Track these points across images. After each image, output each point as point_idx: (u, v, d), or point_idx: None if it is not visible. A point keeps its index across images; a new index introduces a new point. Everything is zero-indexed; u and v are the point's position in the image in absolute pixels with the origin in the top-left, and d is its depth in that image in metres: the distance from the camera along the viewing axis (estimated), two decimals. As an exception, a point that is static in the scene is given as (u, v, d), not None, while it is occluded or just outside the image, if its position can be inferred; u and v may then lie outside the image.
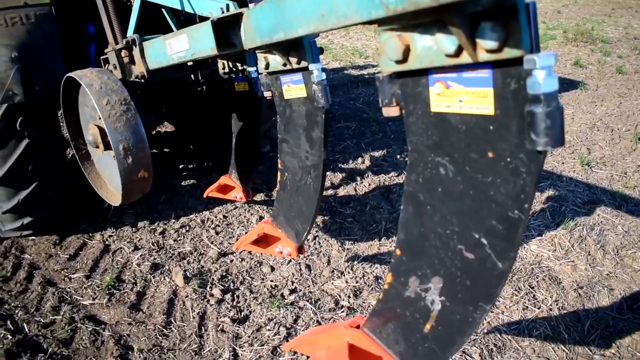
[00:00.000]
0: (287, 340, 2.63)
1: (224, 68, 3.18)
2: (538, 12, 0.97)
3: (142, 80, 2.87)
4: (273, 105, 2.44)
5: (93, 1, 2.98)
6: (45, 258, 3.43)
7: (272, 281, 3.15)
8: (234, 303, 2.95)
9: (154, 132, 5.62)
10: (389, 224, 3.78)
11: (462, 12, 0.99)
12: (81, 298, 3.02)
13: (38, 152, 3.19)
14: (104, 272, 3.27)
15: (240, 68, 3.06)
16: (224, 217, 3.95)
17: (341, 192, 4.31)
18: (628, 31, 11.50)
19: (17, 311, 2.89)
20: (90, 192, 3.18)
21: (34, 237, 3.63)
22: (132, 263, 3.35)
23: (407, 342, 1.50)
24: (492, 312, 2.84)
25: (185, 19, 3.09)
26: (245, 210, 4.03)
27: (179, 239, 3.66)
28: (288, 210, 2.55)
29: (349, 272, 3.22)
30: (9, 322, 2.77)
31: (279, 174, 2.55)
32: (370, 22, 1.16)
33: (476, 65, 1.08)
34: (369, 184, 4.41)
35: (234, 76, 3.19)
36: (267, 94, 2.42)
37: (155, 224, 3.85)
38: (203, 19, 2.16)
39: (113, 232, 3.73)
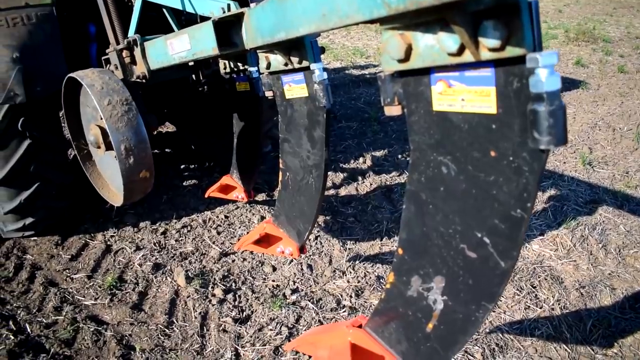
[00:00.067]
0: (289, 340, 2.63)
1: (225, 68, 3.19)
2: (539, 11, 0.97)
3: (144, 81, 2.87)
4: (274, 105, 2.44)
5: (94, 1, 2.98)
6: (47, 258, 3.44)
7: (273, 281, 3.15)
8: (236, 303, 2.95)
9: (155, 132, 5.62)
10: (390, 224, 3.77)
11: (465, 10, 0.99)
12: (83, 298, 3.02)
13: (40, 152, 3.19)
14: (105, 273, 3.27)
15: (241, 68, 3.06)
16: (226, 217, 3.95)
17: (343, 191, 4.31)
18: (630, 30, 11.48)
19: (19, 311, 2.89)
20: (92, 192, 3.18)
21: (35, 238, 3.64)
22: (133, 263, 3.35)
23: (410, 342, 1.50)
24: (494, 311, 2.84)
25: (186, 19, 3.09)
26: (246, 210, 4.03)
27: (180, 239, 3.66)
28: (290, 210, 2.55)
29: (350, 272, 3.22)
30: (11, 323, 2.77)
31: (280, 173, 2.55)
32: (372, 21, 1.16)
33: (478, 64, 1.08)
34: (371, 184, 4.41)
35: (235, 76, 3.19)
36: (269, 94, 2.42)
37: (157, 224, 3.85)
38: (204, 18, 2.15)
39: (115, 233, 3.73)
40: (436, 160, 1.29)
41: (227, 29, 2.01)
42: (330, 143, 2.20)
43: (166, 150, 5.42)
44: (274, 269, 3.27)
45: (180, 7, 2.60)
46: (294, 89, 2.19)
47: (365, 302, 2.95)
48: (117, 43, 2.92)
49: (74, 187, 3.65)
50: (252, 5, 1.88)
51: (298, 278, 3.17)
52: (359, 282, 3.12)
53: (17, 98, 2.90)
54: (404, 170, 4.64)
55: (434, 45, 1.13)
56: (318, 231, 3.68)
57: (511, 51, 0.98)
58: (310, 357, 2.50)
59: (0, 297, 3.03)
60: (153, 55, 2.69)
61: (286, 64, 2.11)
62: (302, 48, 1.97)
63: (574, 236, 3.57)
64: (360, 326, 1.71)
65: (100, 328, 2.75)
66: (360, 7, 1.12)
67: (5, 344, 2.59)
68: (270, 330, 2.73)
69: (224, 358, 2.56)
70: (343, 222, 3.82)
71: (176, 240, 3.64)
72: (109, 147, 2.57)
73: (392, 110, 1.35)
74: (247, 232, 3.59)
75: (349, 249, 3.48)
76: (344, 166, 4.82)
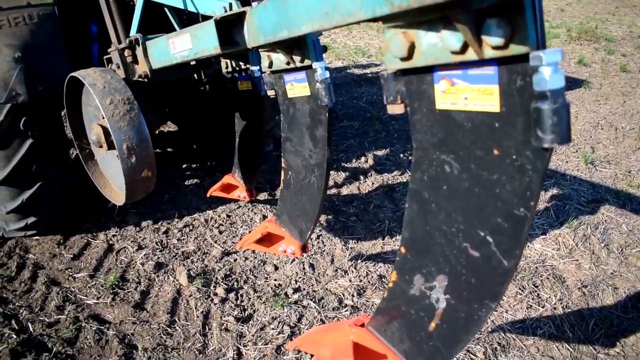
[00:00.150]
0: (291, 339, 2.63)
1: (227, 67, 3.18)
2: (541, 10, 0.97)
3: (145, 80, 2.87)
4: (276, 104, 2.44)
5: (96, 1, 2.98)
6: (49, 258, 3.44)
7: (275, 280, 3.15)
8: (238, 302, 2.95)
9: (157, 131, 5.62)
10: (392, 223, 3.77)
11: (468, 8, 0.99)
12: (85, 297, 3.03)
13: (42, 151, 3.19)
14: (108, 272, 3.27)
15: (243, 67, 3.06)
16: (228, 216, 3.95)
17: (344, 191, 4.30)
18: (632, 29, 11.45)
19: (21, 311, 2.89)
20: (94, 191, 3.18)
21: (38, 237, 3.64)
22: (136, 262, 3.35)
23: (412, 341, 1.50)
24: (496, 310, 2.83)
25: (188, 18, 3.10)
26: (248, 209, 4.03)
27: (182, 238, 3.66)
28: (292, 209, 2.55)
29: (352, 271, 3.22)
30: (13, 322, 2.77)
31: (282, 172, 2.55)
32: (374, 20, 1.16)
33: (482, 62, 1.07)
34: (373, 183, 4.41)
35: (237, 75, 3.19)
36: (271, 93, 2.42)
37: (159, 224, 3.85)
38: (206, 18, 2.15)
39: (117, 232, 3.74)
40: (439, 159, 1.29)
41: (229, 28, 2.01)
42: (332, 142, 2.19)
43: (168, 149, 5.42)
44: (276, 268, 3.27)
45: (181, 6, 2.60)
46: (296, 87, 2.19)
47: (367, 301, 2.95)
48: (119, 42, 2.92)
49: (76, 186, 3.65)
50: (254, 4, 1.87)
51: (300, 277, 3.17)
52: (360, 281, 3.12)
53: (19, 97, 2.90)
54: (405, 170, 4.64)
55: (437, 44, 1.12)
56: (320, 230, 3.68)
57: (515, 49, 0.98)
58: (312, 356, 2.50)
59: (2, 296, 3.03)
60: (155, 54, 2.69)
61: (288, 63, 2.11)
62: (304, 47, 1.97)
63: (576, 235, 3.57)
64: (362, 325, 1.70)
65: (102, 327, 2.76)
66: (363, 5, 1.11)
67: (8, 343, 2.59)
68: (272, 329, 2.73)
69: (226, 357, 2.56)
70: (345, 221, 3.81)
71: (178, 240, 3.64)
72: (111, 146, 2.57)
73: (395, 109, 1.35)
74: (249, 231, 3.58)
75: (351, 248, 3.48)
76: (345, 165, 4.82)
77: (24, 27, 2.90)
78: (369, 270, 3.22)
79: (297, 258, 3.32)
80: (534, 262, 3.29)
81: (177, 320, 2.83)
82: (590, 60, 8.79)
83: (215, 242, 3.59)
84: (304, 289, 3.06)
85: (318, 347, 1.85)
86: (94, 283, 3.16)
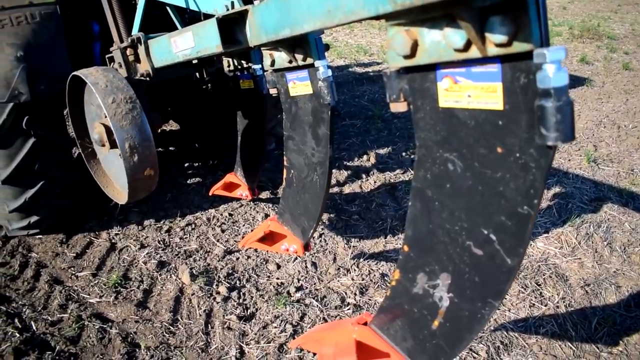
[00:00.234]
0: (294, 338, 2.63)
1: (229, 66, 3.18)
2: (543, 8, 0.96)
3: (148, 79, 2.87)
4: (278, 102, 2.44)
5: (98, 0, 2.98)
6: (52, 256, 3.45)
7: (278, 279, 3.15)
8: (240, 300, 2.96)
9: (159, 130, 5.62)
10: (394, 222, 3.77)
11: (471, 6, 0.98)
12: (88, 296, 3.03)
13: (44, 151, 3.19)
14: (110, 270, 3.28)
15: (245, 66, 3.06)
16: (230, 215, 3.95)
17: (347, 189, 4.30)
18: (634, 27, 11.42)
19: (24, 309, 2.90)
20: (97, 190, 3.19)
21: (40, 236, 3.64)
22: (138, 261, 3.36)
23: (415, 339, 1.50)
24: (498, 309, 2.83)
25: (190, 17, 3.10)
26: (250, 208, 4.03)
27: (185, 237, 3.67)
28: (294, 208, 2.55)
29: (354, 270, 3.22)
30: (16, 320, 2.78)
31: (285, 171, 2.55)
32: (377, 18, 1.16)
33: (485, 60, 1.07)
34: (375, 182, 4.40)
35: (239, 74, 3.19)
36: (273, 91, 2.42)
37: (161, 222, 3.86)
38: (208, 16, 2.15)
39: (119, 231, 3.74)
40: (442, 157, 1.29)
41: (231, 27, 2.00)
42: (335, 141, 2.19)
43: (170, 148, 5.42)
44: (279, 266, 3.27)
45: (183, 5, 2.60)
46: (299, 86, 2.19)
47: (370, 299, 2.95)
48: (121, 41, 2.92)
49: (79, 185, 3.66)
50: (256, 2, 1.87)
51: (302, 276, 3.17)
52: (363, 279, 3.12)
53: (21, 97, 2.90)
54: (407, 168, 4.63)
55: (440, 41, 1.12)
56: (322, 229, 3.68)
57: (518, 47, 0.98)
58: (315, 354, 2.50)
59: (5, 295, 3.04)
60: (157, 53, 2.69)
61: (290, 61, 2.10)
62: (306, 45, 1.97)
63: (578, 234, 3.56)
64: (365, 323, 1.70)
65: (105, 326, 2.76)
66: (366, 3, 1.11)
67: (11, 342, 2.60)
68: (275, 327, 2.74)
69: (228, 355, 2.56)
70: (347, 220, 3.81)
71: (180, 238, 3.64)
72: (113, 145, 2.57)
73: (398, 107, 1.34)
74: (252, 230, 3.59)
75: (353, 246, 3.48)
76: (348, 164, 4.82)
77: (26, 26, 2.91)
78: (372, 269, 3.22)
79: (299, 256, 3.32)
80: (536, 260, 3.28)
81: (180, 319, 2.83)
82: (593, 58, 8.76)
83: (218, 240, 3.59)
84: (307, 288, 3.07)
85: (321, 345, 1.85)
86: (96, 282, 3.16)
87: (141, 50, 2.78)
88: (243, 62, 3.04)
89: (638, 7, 14.44)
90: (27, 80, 2.89)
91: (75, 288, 3.11)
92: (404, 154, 5.03)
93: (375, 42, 10.70)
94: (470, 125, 1.18)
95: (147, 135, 2.46)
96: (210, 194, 3.82)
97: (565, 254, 3.36)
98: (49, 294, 3.04)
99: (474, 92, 1.13)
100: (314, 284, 3.11)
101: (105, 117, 2.41)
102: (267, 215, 3.90)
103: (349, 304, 2.92)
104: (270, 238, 2.74)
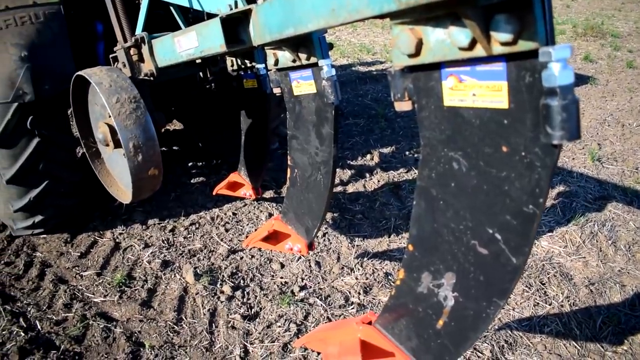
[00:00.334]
0: (298, 337, 2.64)
1: (232, 65, 3.18)
2: (547, 6, 0.96)
3: (151, 78, 2.87)
4: (282, 101, 2.44)
5: (101, 0, 2.99)
6: (56, 256, 3.46)
7: (282, 278, 3.15)
8: (244, 300, 2.96)
9: (163, 130, 5.63)
10: (398, 221, 3.77)
11: (476, 4, 0.98)
12: (92, 295, 3.04)
13: (48, 150, 3.20)
14: (114, 270, 3.29)
15: (249, 65, 3.06)
16: (234, 214, 3.96)
17: (350, 188, 4.30)
18: (638, 25, 11.37)
19: (29, 309, 2.91)
20: (101, 190, 3.19)
21: (45, 236, 3.66)
22: (142, 260, 3.36)
23: (420, 338, 1.50)
24: (503, 308, 2.82)
25: (194, 17, 3.10)
26: (254, 207, 4.03)
27: (189, 236, 3.67)
28: (298, 207, 2.55)
29: (358, 269, 3.22)
30: (21, 320, 2.79)
31: (288, 170, 2.54)
32: (382, 16, 1.15)
33: (490, 59, 1.07)
34: (378, 181, 4.40)
35: (242, 73, 3.19)
36: (277, 91, 2.42)
37: (165, 222, 3.86)
38: (211, 16, 2.15)
39: (123, 230, 3.75)
40: (447, 156, 1.29)
41: (235, 26, 2.00)
42: (338, 140, 2.19)
43: (174, 148, 5.43)
44: (282, 265, 3.28)
45: (187, 5, 2.60)
46: (302, 85, 2.18)
47: (374, 299, 2.95)
48: (125, 41, 2.93)
49: (83, 185, 3.67)
50: (259, 1, 1.87)
51: (306, 275, 3.18)
52: (367, 279, 3.12)
53: (25, 96, 2.91)
54: (411, 167, 4.63)
55: (445, 40, 1.12)
56: (326, 228, 3.68)
57: (523, 45, 0.97)
58: (319, 353, 2.50)
59: (10, 294, 3.05)
60: (161, 52, 2.70)
61: (294, 61, 2.10)
62: (310, 44, 1.97)
63: (583, 233, 3.55)
64: (369, 323, 1.70)
65: (109, 325, 2.77)
66: (371, 1, 1.11)
67: (16, 341, 2.61)
68: (279, 327, 2.74)
69: (232, 355, 2.57)
70: (351, 219, 3.81)
71: (184, 238, 3.65)
72: (117, 144, 2.58)
73: (403, 106, 1.34)
74: (255, 229, 3.59)
75: (357, 245, 3.48)
76: (351, 163, 4.82)
77: (30, 27, 2.92)
78: (375, 268, 3.21)
79: (303, 256, 3.32)
80: (541, 259, 3.28)
81: (184, 318, 2.84)
82: (597, 56, 8.73)
83: (222, 240, 3.60)
84: (310, 287, 3.07)
85: (325, 344, 1.85)
86: (101, 281, 3.17)
87: (145, 50, 2.78)
88: (247, 61, 3.05)
89: (642, 5, 14.38)
90: (32, 80, 2.90)
91: (80, 287, 3.12)
92: (407, 153, 5.03)
93: (379, 41, 10.69)
94: (475, 124, 1.17)
95: (151, 134, 2.46)
96: (214, 193, 3.83)
97: (570, 253, 3.35)
98: (54, 294, 3.05)
99: (479, 90, 1.13)
100: (318, 283, 3.11)
101: (110, 116, 2.41)
102: (271, 215, 3.90)
103: (353, 303, 2.92)
104: (274, 237, 2.74)
